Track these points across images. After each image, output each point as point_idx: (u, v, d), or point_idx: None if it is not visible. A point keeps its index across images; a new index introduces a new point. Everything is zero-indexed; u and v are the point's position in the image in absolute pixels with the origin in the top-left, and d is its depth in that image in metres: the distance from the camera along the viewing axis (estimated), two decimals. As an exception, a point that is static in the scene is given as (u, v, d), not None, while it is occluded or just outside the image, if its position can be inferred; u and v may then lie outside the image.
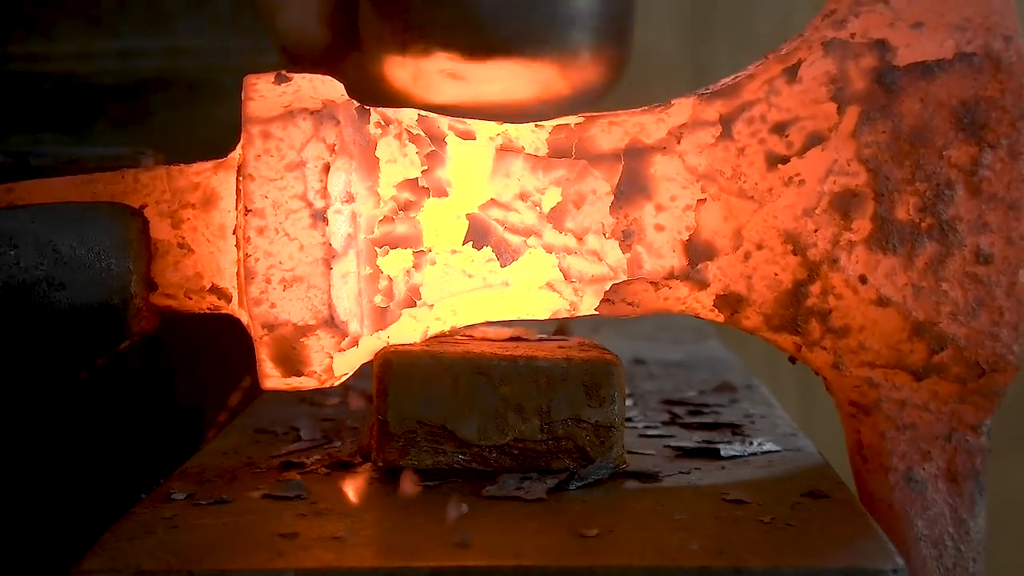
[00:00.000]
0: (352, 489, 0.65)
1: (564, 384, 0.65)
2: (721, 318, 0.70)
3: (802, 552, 0.57)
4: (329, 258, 0.64)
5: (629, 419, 0.80)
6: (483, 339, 0.69)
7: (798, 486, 0.66)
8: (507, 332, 0.71)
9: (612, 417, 0.65)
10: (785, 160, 0.68)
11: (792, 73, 0.68)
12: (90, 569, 0.54)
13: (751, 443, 0.73)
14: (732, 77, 0.69)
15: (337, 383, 0.66)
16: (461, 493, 0.63)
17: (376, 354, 0.66)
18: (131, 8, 0.91)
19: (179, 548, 0.56)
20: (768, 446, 0.73)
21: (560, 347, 0.68)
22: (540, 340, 0.70)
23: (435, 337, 0.68)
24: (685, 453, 0.72)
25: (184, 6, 0.93)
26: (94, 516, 0.66)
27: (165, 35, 0.92)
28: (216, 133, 0.89)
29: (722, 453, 0.71)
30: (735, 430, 0.77)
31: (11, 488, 0.85)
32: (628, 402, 0.85)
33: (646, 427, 0.78)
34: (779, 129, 0.68)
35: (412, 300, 0.66)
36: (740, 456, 0.71)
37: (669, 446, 0.73)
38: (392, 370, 0.65)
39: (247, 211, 0.63)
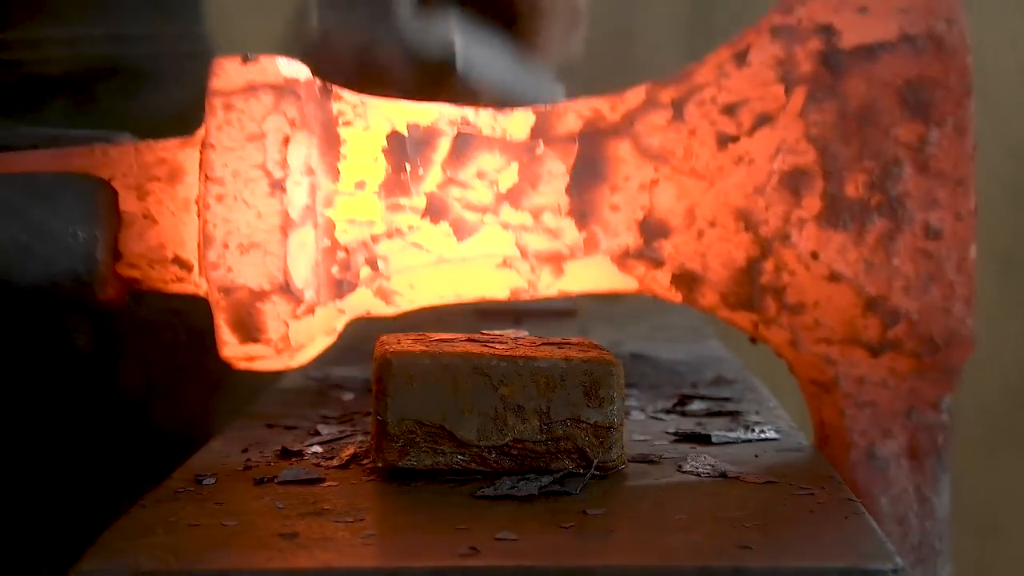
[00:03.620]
0: (352, 489, 0.65)
1: (563, 385, 0.65)
2: (679, 297, 0.71)
3: (802, 552, 0.56)
4: (286, 226, 0.66)
5: (629, 409, 0.80)
6: (482, 339, 0.69)
7: (797, 486, 0.65)
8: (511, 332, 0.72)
9: (611, 418, 0.65)
10: (735, 139, 0.70)
11: (741, 57, 0.70)
12: (90, 569, 0.54)
13: (752, 430, 0.74)
14: (685, 67, 0.72)
15: (294, 361, 0.67)
16: (460, 494, 0.63)
17: (375, 354, 0.66)
18: None
19: (179, 548, 0.56)
20: (769, 433, 0.73)
21: (559, 348, 0.68)
22: (540, 341, 0.70)
23: (434, 339, 0.68)
24: (683, 439, 0.72)
25: None
26: (94, 516, 0.66)
27: (111, 22, 0.94)
28: (162, 121, 0.90)
29: (716, 440, 0.72)
30: (733, 418, 0.78)
31: (10, 488, 0.85)
32: (629, 391, 0.85)
33: (647, 418, 0.78)
34: (729, 110, 0.70)
35: (369, 273, 0.68)
36: (739, 441, 0.71)
37: (668, 432, 0.74)
38: (391, 370, 0.64)
39: (207, 179, 0.65)
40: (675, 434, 0.75)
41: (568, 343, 0.69)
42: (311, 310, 0.66)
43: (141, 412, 0.91)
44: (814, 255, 0.69)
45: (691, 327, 1.14)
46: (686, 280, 0.70)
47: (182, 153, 0.68)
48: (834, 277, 0.69)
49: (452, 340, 0.68)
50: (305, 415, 0.81)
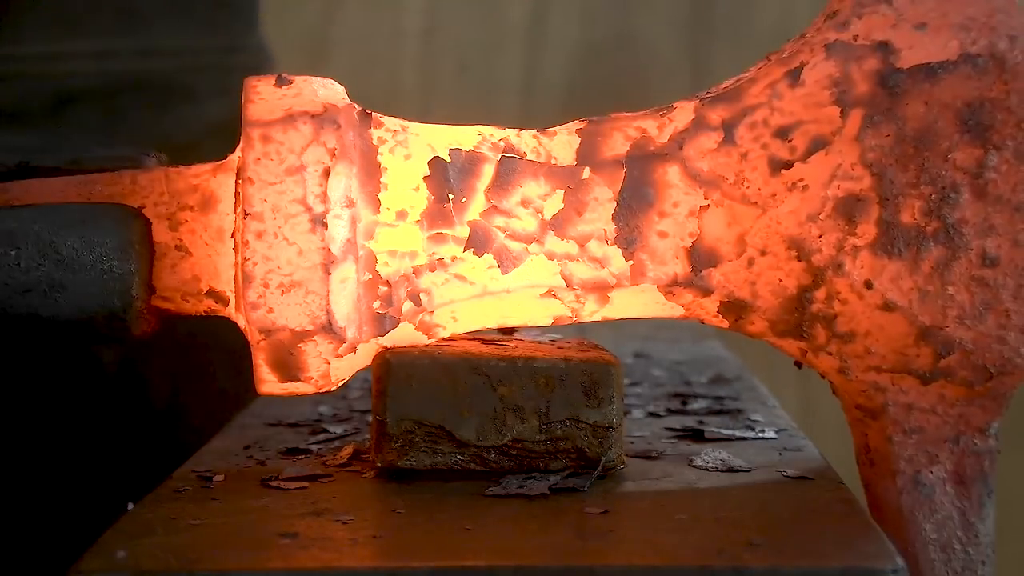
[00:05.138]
0: (352, 489, 0.64)
1: (563, 384, 0.65)
2: (726, 324, 0.69)
3: (802, 552, 0.56)
4: (328, 263, 0.63)
5: (629, 408, 0.81)
6: (480, 338, 0.69)
7: (798, 485, 0.66)
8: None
9: (611, 418, 0.65)
10: (788, 165, 0.67)
11: (794, 76, 0.67)
12: (89, 569, 0.54)
13: (752, 429, 0.74)
14: (733, 80, 0.69)
15: (334, 389, 0.66)
16: (460, 494, 0.63)
17: (375, 354, 0.65)
18: (104, 8, 0.91)
19: (179, 548, 0.56)
20: (769, 433, 0.73)
21: (559, 347, 0.68)
22: (538, 341, 0.69)
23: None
24: (683, 438, 0.72)
25: (159, 5, 0.92)
26: (94, 516, 0.65)
27: (139, 35, 0.91)
28: (189, 135, 0.88)
29: (716, 438, 0.72)
30: (733, 417, 0.78)
31: (11, 488, 0.85)
32: (629, 391, 0.85)
33: (647, 417, 0.78)
34: (782, 133, 0.67)
35: (411, 307, 0.66)
36: (739, 440, 0.71)
37: (668, 431, 0.74)
38: (390, 370, 0.64)
39: (246, 215, 0.63)
40: (675, 434, 0.75)
41: (567, 343, 0.69)
42: (353, 348, 0.64)
43: (168, 426, 0.90)
44: (867, 284, 0.67)
45: (691, 327, 1.14)
46: (734, 308, 0.68)
47: (214, 180, 0.66)
48: (887, 306, 0.67)
49: (451, 340, 0.67)
50: (306, 414, 0.80)
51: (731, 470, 0.68)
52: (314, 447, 0.72)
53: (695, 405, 0.83)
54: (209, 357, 0.93)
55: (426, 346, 0.66)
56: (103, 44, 0.90)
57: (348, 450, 0.70)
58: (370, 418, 0.67)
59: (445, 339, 0.67)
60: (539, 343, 0.69)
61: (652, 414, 0.81)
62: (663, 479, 0.66)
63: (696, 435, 0.75)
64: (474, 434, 0.65)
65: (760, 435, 0.75)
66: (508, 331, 0.72)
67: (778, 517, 0.61)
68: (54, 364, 0.84)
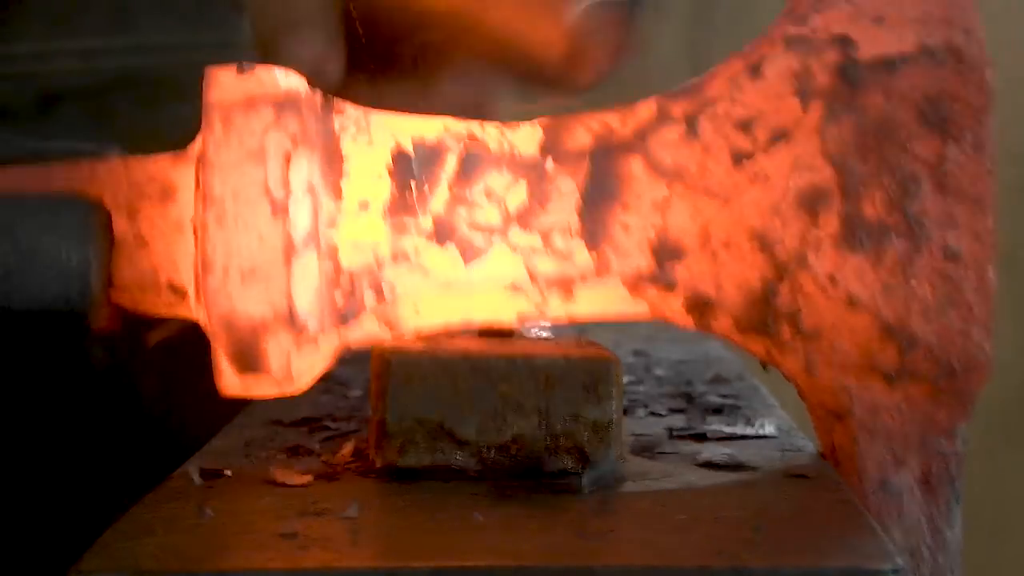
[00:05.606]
0: (352, 489, 0.64)
1: (563, 382, 0.64)
2: (691, 322, 0.68)
3: (802, 552, 0.56)
4: (290, 251, 0.62)
5: (630, 407, 0.80)
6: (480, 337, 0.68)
7: (797, 485, 0.65)
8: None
9: (611, 415, 0.65)
10: (750, 156, 0.67)
11: (755, 70, 0.68)
12: (89, 569, 0.53)
13: (752, 428, 0.74)
14: (698, 78, 0.69)
15: (292, 389, 0.65)
16: (460, 493, 0.63)
17: (374, 353, 0.65)
18: (92, 6, 0.90)
19: (179, 548, 0.55)
20: (769, 432, 0.73)
21: (558, 345, 0.67)
22: (539, 339, 0.69)
23: (433, 336, 0.67)
24: (683, 437, 0.72)
25: (147, 2, 0.92)
26: (94, 516, 0.63)
27: (128, 33, 0.91)
28: (180, 132, 0.87)
29: (716, 437, 0.72)
30: (733, 416, 0.78)
31: (11, 488, 0.83)
32: (629, 389, 0.85)
33: (647, 415, 0.78)
34: (743, 125, 0.67)
35: (374, 299, 0.65)
36: (739, 439, 0.71)
37: (668, 430, 0.74)
38: (390, 369, 0.64)
39: (206, 199, 0.62)
40: (676, 433, 0.75)
41: (567, 341, 0.69)
42: (314, 340, 0.63)
43: (159, 425, 0.88)
44: (831, 278, 0.67)
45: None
46: (699, 305, 0.68)
47: (174, 171, 0.64)
48: (851, 301, 0.67)
49: (451, 338, 0.67)
50: (307, 413, 0.80)
51: (739, 466, 0.68)
52: (314, 446, 0.72)
53: (696, 404, 0.83)
54: (201, 356, 0.92)
55: (426, 345, 0.66)
56: (92, 42, 0.90)
57: (348, 449, 0.69)
58: (370, 417, 0.66)
59: (444, 337, 0.66)
60: (539, 341, 0.69)
61: (653, 413, 0.81)
62: (663, 479, 0.66)
63: (697, 435, 0.75)
64: (474, 432, 0.64)
65: (760, 434, 0.75)
66: (507, 332, 0.71)
67: (778, 517, 0.60)
68: (43, 362, 0.83)
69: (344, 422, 0.78)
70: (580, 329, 1.05)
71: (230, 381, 0.63)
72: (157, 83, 0.92)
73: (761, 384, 0.90)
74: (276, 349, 0.63)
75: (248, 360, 0.63)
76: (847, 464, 0.69)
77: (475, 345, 0.66)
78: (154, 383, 0.91)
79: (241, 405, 0.82)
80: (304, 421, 0.78)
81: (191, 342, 0.80)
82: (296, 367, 0.64)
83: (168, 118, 0.89)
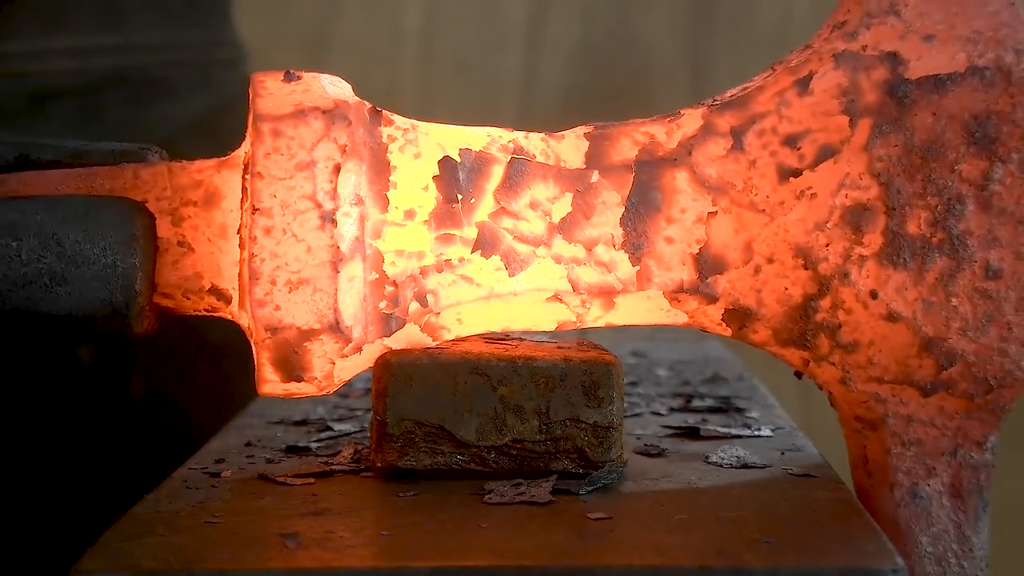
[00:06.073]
0: (352, 489, 0.64)
1: (563, 384, 0.65)
2: (729, 332, 0.69)
3: (802, 552, 0.56)
4: (337, 261, 0.62)
5: (630, 408, 0.80)
6: (481, 339, 0.68)
7: (798, 485, 0.66)
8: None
9: (611, 418, 0.65)
10: (797, 173, 0.67)
11: (803, 85, 0.67)
12: (89, 569, 0.53)
13: (751, 427, 0.74)
14: (740, 88, 0.69)
15: (334, 390, 0.65)
16: (460, 494, 0.63)
17: (377, 357, 0.65)
18: (83, 4, 0.89)
19: (179, 548, 0.56)
20: (768, 432, 0.73)
21: (559, 347, 0.67)
22: (540, 341, 0.69)
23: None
24: (683, 438, 0.72)
25: (137, 0, 0.91)
26: (94, 516, 0.64)
27: (119, 31, 0.90)
28: (170, 131, 0.87)
29: (723, 433, 0.72)
30: (733, 416, 0.78)
31: (11, 488, 0.83)
32: (629, 391, 0.85)
33: (647, 417, 0.78)
34: (791, 141, 0.67)
35: (417, 308, 0.65)
36: (738, 436, 0.71)
37: (668, 431, 0.74)
38: (391, 371, 0.64)
39: (254, 210, 0.62)
40: (676, 433, 0.75)
41: (567, 343, 0.69)
42: (358, 348, 0.63)
43: (148, 422, 0.88)
44: (873, 294, 0.67)
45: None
46: (739, 316, 0.68)
47: (219, 176, 0.64)
48: (892, 317, 0.67)
49: (455, 340, 0.67)
50: (307, 413, 0.80)
51: (739, 466, 0.68)
52: (314, 447, 0.72)
53: (696, 404, 0.83)
54: (191, 356, 0.92)
55: (426, 347, 0.65)
56: (83, 41, 0.89)
57: (349, 450, 0.70)
58: (370, 418, 0.66)
59: (451, 341, 0.66)
60: (539, 343, 0.68)
61: (653, 413, 0.81)
62: (663, 479, 0.66)
63: (696, 435, 0.75)
64: (474, 434, 0.65)
65: (760, 434, 0.75)
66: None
67: (778, 517, 0.61)
68: (34, 362, 0.83)
69: (345, 423, 0.78)
70: (581, 329, 1.06)
71: (273, 387, 0.64)
72: (147, 81, 0.91)
73: (761, 384, 0.90)
74: (321, 357, 0.63)
75: (292, 367, 0.63)
76: (879, 474, 0.69)
77: (475, 347, 0.66)
78: (143, 383, 0.91)
79: (240, 405, 0.82)
80: (304, 422, 0.78)
81: (189, 342, 0.81)
82: (339, 374, 0.64)
83: (158, 115, 0.89)
